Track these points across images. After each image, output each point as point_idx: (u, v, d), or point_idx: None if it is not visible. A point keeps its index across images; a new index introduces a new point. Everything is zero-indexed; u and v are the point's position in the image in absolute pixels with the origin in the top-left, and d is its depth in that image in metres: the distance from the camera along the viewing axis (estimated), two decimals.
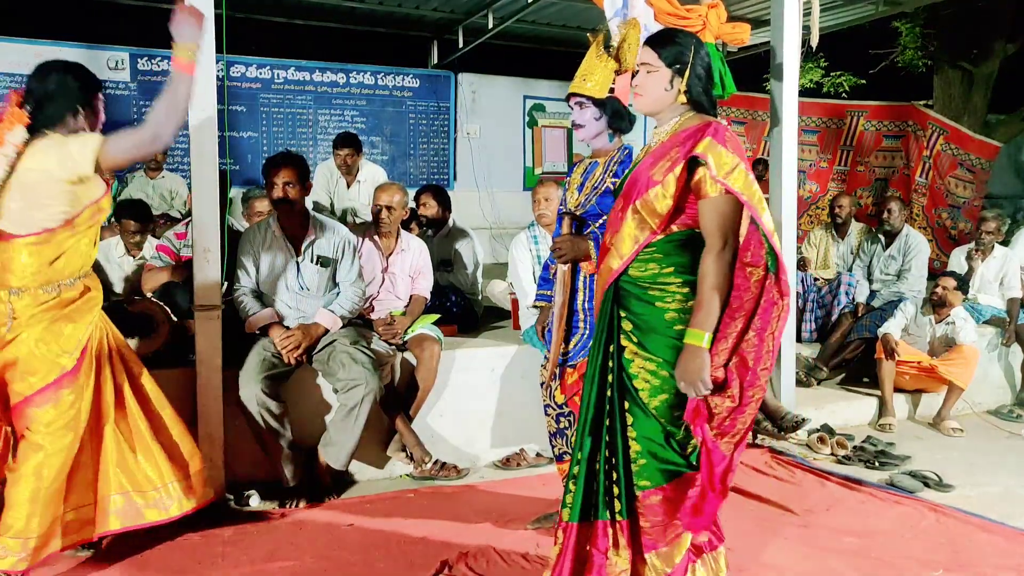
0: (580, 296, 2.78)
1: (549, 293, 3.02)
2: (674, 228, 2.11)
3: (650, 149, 2.21)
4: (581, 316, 2.78)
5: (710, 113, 2.19)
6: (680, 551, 2.13)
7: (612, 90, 2.75)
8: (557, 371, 2.89)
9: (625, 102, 2.85)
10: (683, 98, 2.15)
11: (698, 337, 2.01)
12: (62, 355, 2.47)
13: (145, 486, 2.69)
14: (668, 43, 2.16)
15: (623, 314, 2.16)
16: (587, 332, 2.76)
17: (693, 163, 2.03)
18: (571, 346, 2.80)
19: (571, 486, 2.19)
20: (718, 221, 2.03)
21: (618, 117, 2.77)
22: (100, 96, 2.61)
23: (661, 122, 2.21)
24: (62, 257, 2.46)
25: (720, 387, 2.04)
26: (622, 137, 2.84)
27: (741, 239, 2.08)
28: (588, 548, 2.15)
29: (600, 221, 2.75)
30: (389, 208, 3.81)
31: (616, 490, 2.12)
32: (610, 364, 2.16)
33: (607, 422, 2.16)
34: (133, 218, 4.14)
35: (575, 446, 2.24)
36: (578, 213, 2.78)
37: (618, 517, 2.12)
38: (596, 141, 2.81)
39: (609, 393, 2.16)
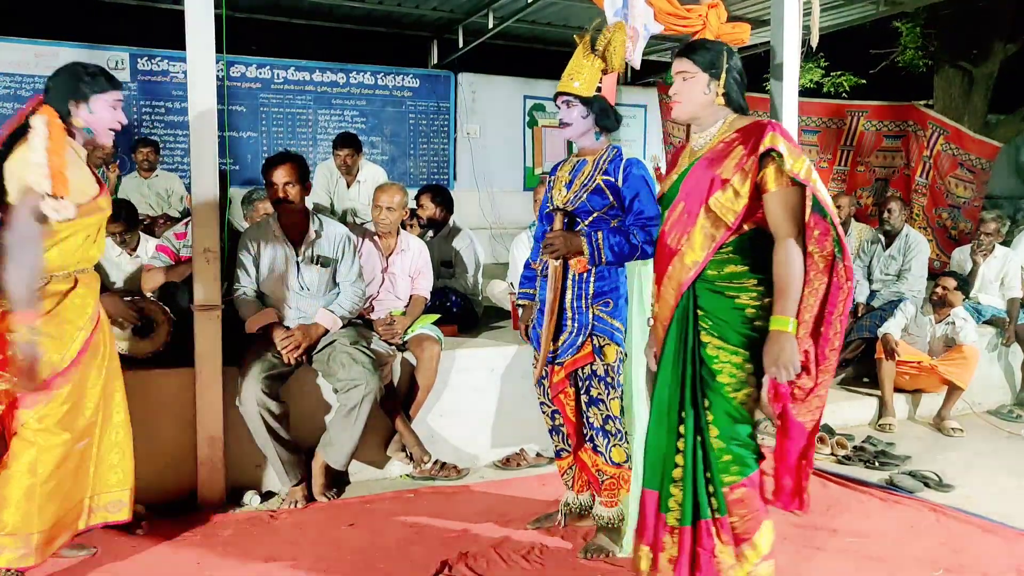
0: (569, 294, 2.79)
1: (532, 291, 3.03)
2: (745, 227, 2.20)
3: (694, 152, 2.30)
4: (569, 314, 2.79)
5: (748, 114, 2.29)
6: (765, 539, 2.22)
7: (599, 89, 2.76)
8: (547, 369, 2.90)
9: (612, 101, 2.87)
10: (722, 100, 2.26)
11: (784, 323, 2.12)
12: (53, 355, 2.44)
13: (126, 484, 2.74)
14: (700, 49, 2.28)
15: (700, 312, 2.24)
16: (575, 330, 2.77)
17: (762, 157, 2.13)
18: (559, 344, 2.81)
19: (673, 490, 2.25)
20: (787, 212, 2.14)
21: (604, 116, 2.79)
22: (102, 96, 2.53)
23: (703, 127, 2.31)
24: (52, 249, 2.43)
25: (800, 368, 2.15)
26: (609, 136, 2.84)
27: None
28: (696, 549, 2.22)
29: (590, 219, 2.76)
30: (389, 209, 3.81)
31: (711, 488, 2.21)
32: (688, 366, 2.24)
33: (683, 417, 2.24)
34: (113, 219, 4.11)
35: (651, 448, 2.30)
36: (568, 210, 2.79)
37: (716, 515, 2.21)
38: (583, 139, 2.82)
39: (691, 393, 2.23)
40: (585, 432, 2.86)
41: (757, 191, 2.16)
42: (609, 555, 2.80)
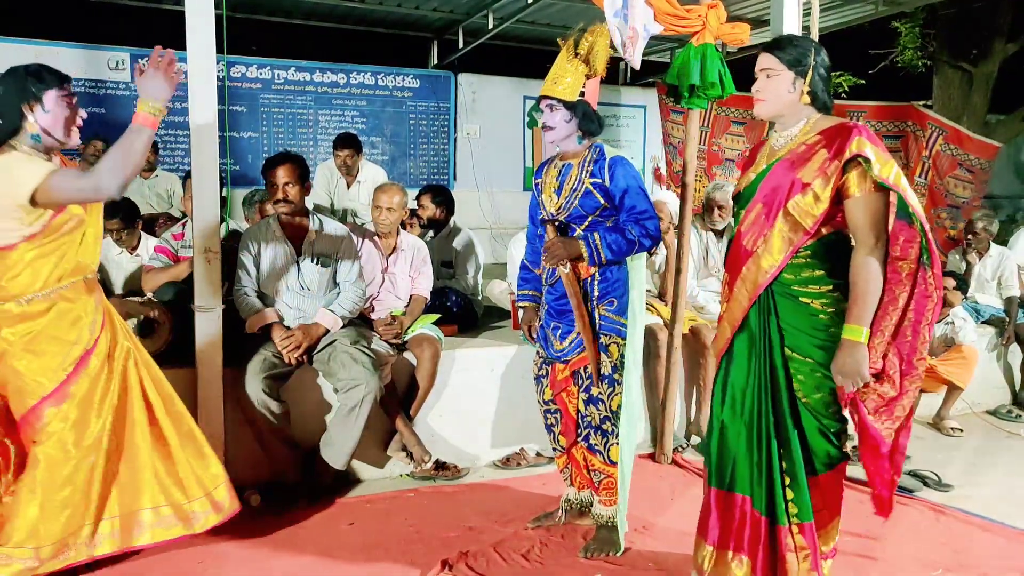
0: (575, 298, 2.78)
1: (532, 293, 3.05)
2: (824, 231, 2.17)
3: (774, 151, 2.27)
4: (577, 315, 2.79)
5: (831, 113, 2.25)
6: (830, 538, 2.31)
7: (583, 93, 2.76)
8: (547, 368, 2.92)
9: (594, 105, 2.88)
10: (807, 99, 2.21)
11: (856, 332, 2.10)
12: (41, 375, 2.39)
13: (179, 499, 2.64)
14: (787, 46, 2.22)
15: (775, 317, 2.24)
16: (581, 331, 2.77)
17: (847, 162, 2.09)
18: (566, 344, 2.82)
19: (757, 490, 2.28)
20: (870, 219, 2.10)
21: (588, 120, 2.78)
22: (54, 92, 2.38)
23: (785, 125, 2.27)
24: (24, 273, 2.34)
25: (878, 376, 2.14)
26: (591, 138, 2.85)
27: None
28: (778, 546, 2.27)
29: (585, 223, 2.76)
30: (389, 209, 3.81)
31: (789, 480, 2.26)
32: (777, 366, 2.24)
33: (779, 420, 2.26)
34: (112, 216, 4.11)
35: (735, 451, 2.33)
36: (562, 217, 2.80)
37: (795, 520, 2.26)
38: (566, 143, 2.82)
39: (782, 393, 2.24)
40: (581, 431, 2.86)
41: (838, 196, 2.12)
42: (609, 554, 2.81)
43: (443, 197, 4.75)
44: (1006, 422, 4.88)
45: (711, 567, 2.36)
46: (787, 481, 2.26)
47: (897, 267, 2.12)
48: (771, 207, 2.21)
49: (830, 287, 2.18)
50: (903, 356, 2.13)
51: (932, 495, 3.54)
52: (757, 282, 2.23)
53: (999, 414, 5.01)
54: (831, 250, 2.18)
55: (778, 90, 2.22)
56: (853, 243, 2.18)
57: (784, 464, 2.26)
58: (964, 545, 3.01)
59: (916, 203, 2.05)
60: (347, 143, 5.36)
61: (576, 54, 2.74)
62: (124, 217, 4.11)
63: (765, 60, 2.24)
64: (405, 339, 3.76)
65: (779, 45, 2.24)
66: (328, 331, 3.42)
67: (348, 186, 5.47)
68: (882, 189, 2.08)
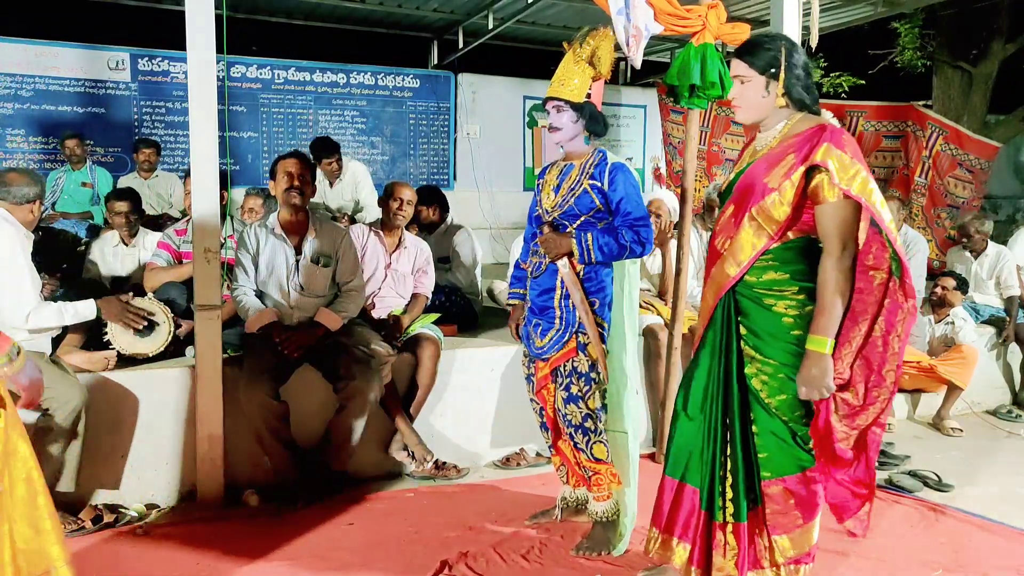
0: (557, 294, 2.82)
1: (522, 292, 3.07)
2: (791, 235, 2.14)
3: (756, 152, 2.23)
4: (558, 313, 2.82)
5: (814, 110, 2.19)
6: (802, 543, 2.22)
7: (589, 95, 2.79)
8: (533, 365, 2.94)
9: (599, 107, 2.91)
10: (783, 101, 2.16)
11: (820, 343, 2.06)
12: None
13: None
14: (757, 50, 2.17)
15: (739, 319, 2.22)
16: (562, 328, 2.80)
17: (811, 169, 2.04)
18: (546, 341, 2.84)
19: (720, 487, 2.27)
20: (837, 226, 2.05)
21: (594, 121, 2.82)
22: None
23: (766, 127, 2.24)
24: None
25: (844, 386, 2.10)
26: (596, 140, 2.88)
27: (860, 243, 2.10)
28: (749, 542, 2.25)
29: (577, 223, 2.79)
30: (408, 203, 3.87)
31: (730, 479, 2.23)
32: (732, 366, 2.23)
33: (729, 421, 2.24)
34: (119, 199, 4.11)
35: (685, 444, 2.33)
36: (556, 214, 2.83)
37: (730, 519, 2.24)
38: (572, 144, 2.85)
39: (733, 394, 2.23)
40: (565, 429, 2.87)
41: (803, 201, 2.08)
42: (602, 553, 2.81)
43: (436, 198, 4.78)
44: (1006, 422, 4.88)
45: (656, 548, 2.39)
46: (729, 480, 2.24)
47: (869, 276, 2.07)
48: (740, 209, 2.19)
49: (795, 289, 2.14)
50: (872, 367, 2.08)
51: (932, 495, 3.54)
52: (721, 283, 2.23)
53: (999, 414, 5.01)
54: (797, 254, 2.15)
55: (753, 96, 2.18)
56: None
57: (729, 463, 2.25)
58: (964, 545, 3.01)
59: (881, 213, 1.99)
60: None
61: (582, 56, 2.76)
62: (132, 200, 4.14)
63: (737, 67, 2.20)
64: (405, 339, 3.76)
65: (749, 50, 2.18)
66: (328, 331, 3.42)
67: (332, 185, 5.54)
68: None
